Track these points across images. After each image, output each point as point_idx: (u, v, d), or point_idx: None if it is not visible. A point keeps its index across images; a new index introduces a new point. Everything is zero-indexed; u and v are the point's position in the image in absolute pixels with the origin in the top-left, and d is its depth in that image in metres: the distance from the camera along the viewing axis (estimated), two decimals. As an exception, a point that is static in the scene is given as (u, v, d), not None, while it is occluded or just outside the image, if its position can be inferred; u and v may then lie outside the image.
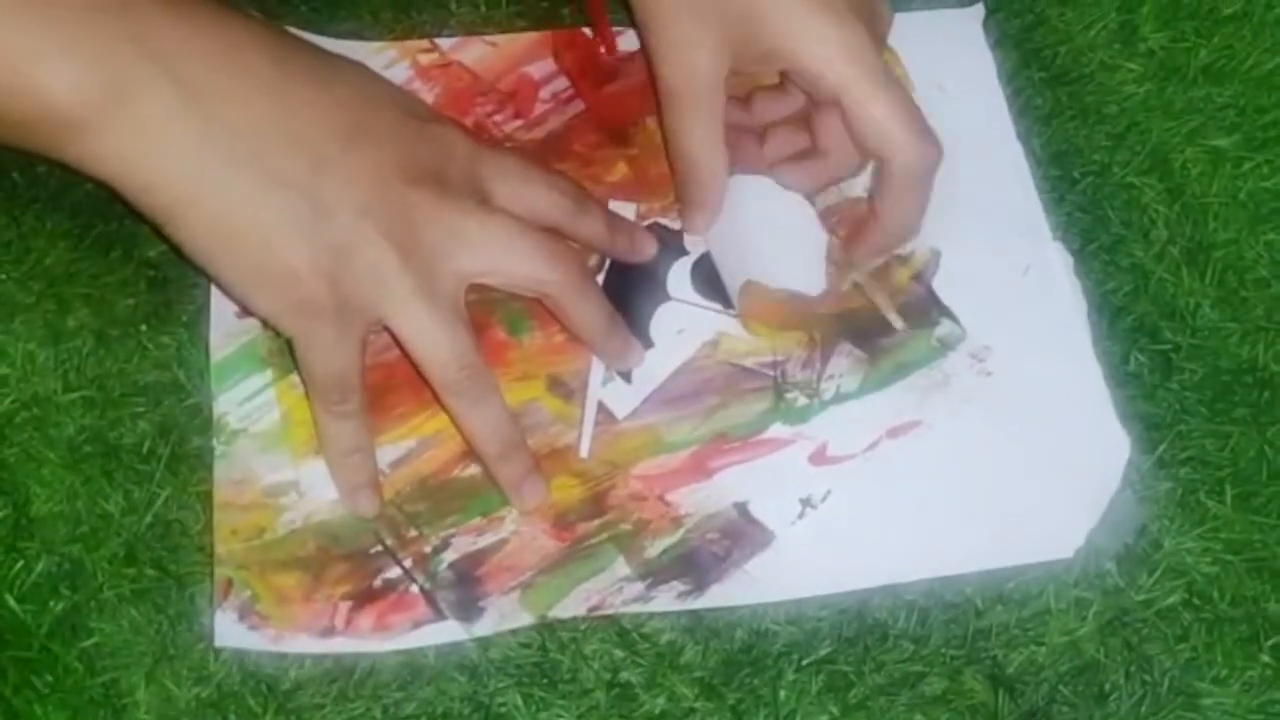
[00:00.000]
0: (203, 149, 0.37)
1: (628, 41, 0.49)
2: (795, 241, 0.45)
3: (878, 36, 0.42)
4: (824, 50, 0.41)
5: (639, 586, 0.41)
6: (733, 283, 0.45)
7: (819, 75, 0.41)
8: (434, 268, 0.39)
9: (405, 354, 0.40)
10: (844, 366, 0.44)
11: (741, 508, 0.42)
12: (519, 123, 0.48)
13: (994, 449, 0.43)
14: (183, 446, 0.42)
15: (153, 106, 0.36)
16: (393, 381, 0.43)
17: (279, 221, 0.37)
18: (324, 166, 0.38)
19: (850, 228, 0.46)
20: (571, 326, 0.42)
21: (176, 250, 0.39)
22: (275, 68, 0.38)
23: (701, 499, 0.42)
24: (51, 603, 0.39)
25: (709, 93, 0.42)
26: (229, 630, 0.39)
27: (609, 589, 0.41)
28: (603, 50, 0.48)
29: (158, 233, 0.39)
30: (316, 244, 0.38)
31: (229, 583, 0.40)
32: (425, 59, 0.48)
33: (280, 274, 0.38)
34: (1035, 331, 0.45)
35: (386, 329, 0.40)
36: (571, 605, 0.40)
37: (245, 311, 0.42)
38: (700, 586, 0.41)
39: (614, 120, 0.48)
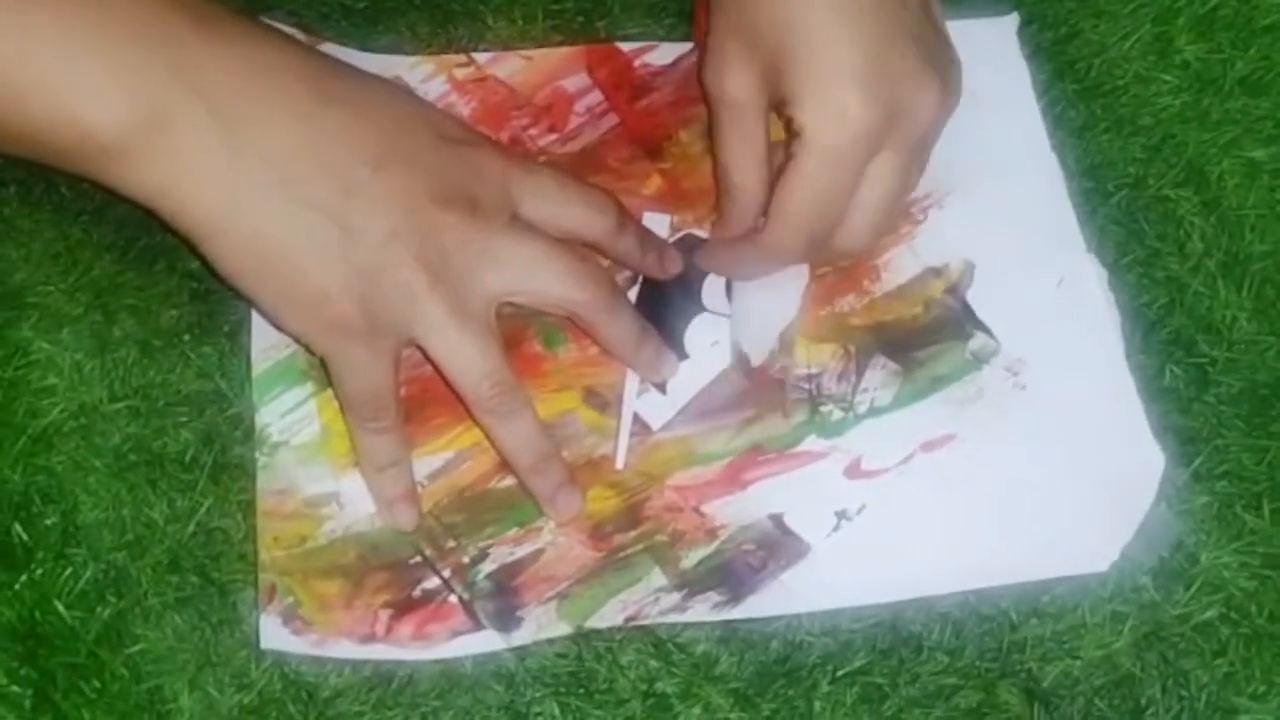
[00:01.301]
0: (235, 174, 0.37)
1: (659, 55, 0.50)
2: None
3: (901, 117, 0.40)
4: (812, 115, 0.40)
5: (675, 597, 0.41)
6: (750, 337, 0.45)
7: (801, 135, 0.40)
8: (465, 288, 0.40)
9: (437, 371, 0.41)
10: (878, 380, 0.44)
11: (777, 519, 0.42)
12: (554, 136, 0.48)
13: (1028, 462, 0.43)
14: (225, 455, 0.42)
15: (187, 134, 0.37)
16: (429, 395, 0.43)
17: (310, 244, 0.38)
18: (354, 190, 0.38)
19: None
20: (602, 342, 0.43)
21: (211, 270, 0.40)
22: (308, 92, 0.38)
23: (737, 510, 0.42)
24: (98, 609, 0.40)
25: (756, 117, 0.42)
26: (273, 633, 0.40)
27: (645, 599, 0.41)
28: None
29: (193, 250, 0.40)
30: (347, 266, 0.38)
31: (273, 588, 0.40)
32: (461, 73, 0.49)
33: (311, 295, 0.39)
34: (1069, 345, 0.45)
35: (418, 347, 0.41)
36: (608, 615, 0.41)
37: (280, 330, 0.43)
38: (736, 597, 0.41)
39: (648, 134, 0.48)
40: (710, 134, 0.44)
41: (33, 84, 0.36)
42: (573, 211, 0.42)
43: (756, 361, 0.44)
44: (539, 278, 0.41)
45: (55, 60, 0.36)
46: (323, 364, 0.41)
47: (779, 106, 0.41)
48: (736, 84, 0.42)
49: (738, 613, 0.41)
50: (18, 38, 0.36)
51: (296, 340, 0.41)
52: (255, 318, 0.44)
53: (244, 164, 0.37)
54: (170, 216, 0.38)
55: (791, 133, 0.41)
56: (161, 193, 0.38)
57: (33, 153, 0.39)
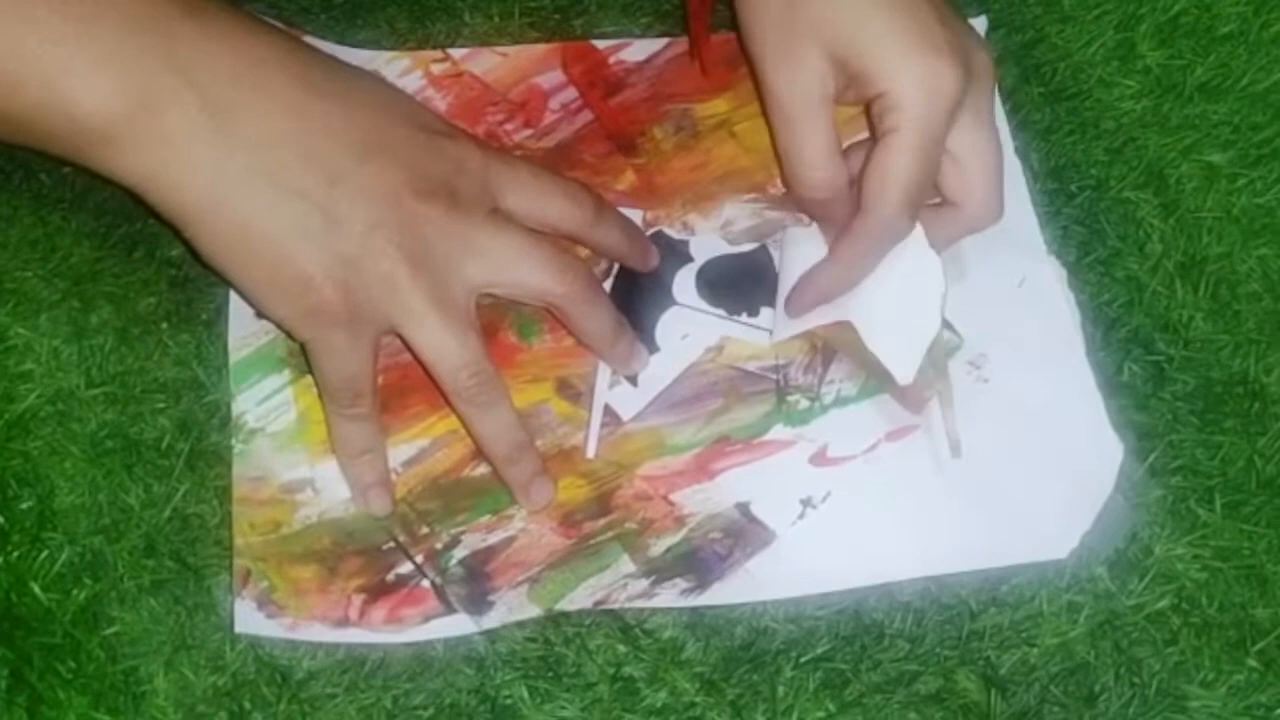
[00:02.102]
0: (223, 162, 0.38)
1: (633, 52, 0.50)
2: (907, 310, 0.44)
3: (975, 79, 0.42)
4: (910, 84, 0.41)
5: (643, 583, 0.42)
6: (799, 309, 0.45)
7: (899, 107, 0.41)
8: (445, 278, 0.40)
9: (417, 360, 0.42)
10: (844, 372, 0.45)
11: (744, 508, 0.43)
12: (529, 132, 0.49)
13: (991, 453, 0.44)
14: (201, 442, 0.43)
15: (177, 121, 0.37)
16: (406, 384, 0.44)
17: (294, 231, 0.39)
18: (338, 181, 0.39)
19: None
20: (578, 335, 0.44)
21: (195, 255, 0.41)
22: (296, 84, 0.39)
23: (704, 499, 0.43)
24: (74, 592, 0.40)
25: (821, 105, 0.43)
26: (248, 617, 0.40)
27: (614, 585, 0.42)
28: (698, 66, 0.48)
29: (178, 235, 0.40)
30: (329, 254, 0.39)
31: (247, 573, 0.41)
32: (438, 69, 0.50)
33: (294, 281, 0.39)
34: (1031, 341, 0.46)
35: (399, 336, 0.41)
36: (578, 599, 0.41)
37: (261, 315, 0.43)
38: (702, 584, 0.42)
39: (622, 130, 0.49)
40: (774, 139, 0.45)
41: (26, 69, 0.37)
42: (551, 203, 0.43)
43: (905, 381, 0.43)
44: (518, 269, 0.41)
45: (49, 46, 0.36)
46: (302, 350, 0.42)
47: (854, 92, 0.43)
48: (807, 80, 0.42)
49: (704, 599, 0.42)
50: (13, 24, 0.36)
51: (278, 326, 0.42)
52: (233, 306, 0.45)
53: (231, 152, 0.38)
54: (157, 202, 0.39)
55: (880, 110, 0.42)
56: (149, 178, 0.38)
57: (23, 137, 0.39)
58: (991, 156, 0.44)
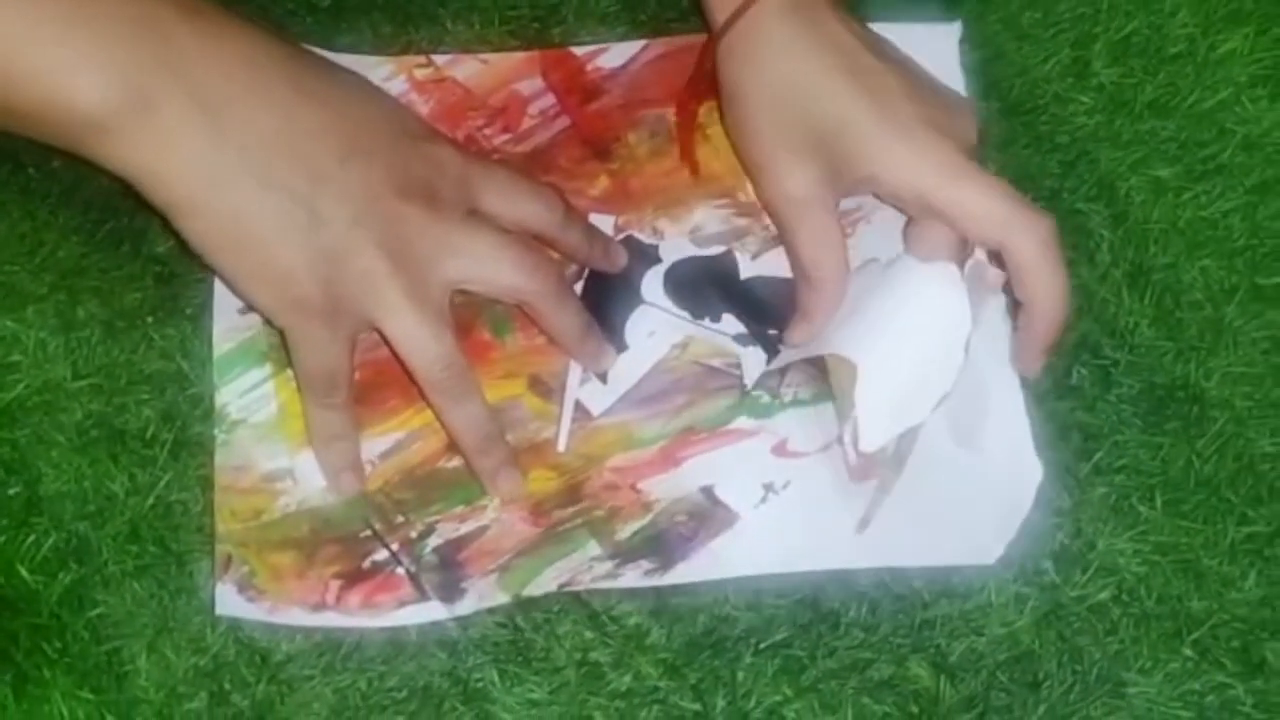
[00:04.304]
0: (215, 157, 0.40)
1: (610, 58, 0.52)
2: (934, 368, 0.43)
3: (962, 147, 0.44)
4: (903, 166, 0.43)
5: (608, 565, 0.43)
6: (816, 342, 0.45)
7: (906, 192, 0.43)
8: (422, 275, 0.42)
9: (393, 353, 0.43)
10: (800, 379, 0.47)
11: (708, 491, 0.45)
12: (507, 136, 0.50)
13: (929, 464, 0.46)
14: (185, 433, 0.44)
15: (172, 118, 0.39)
16: (383, 378, 0.46)
17: (279, 226, 0.40)
18: (322, 179, 0.41)
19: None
20: (549, 332, 0.45)
21: (184, 246, 0.42)
22: (287, 86, 0.41)
23: (670, 485, 0.45)
24: (60, 575, 0.42)
25: (817, 205, 0.45)
26: (229, 600, 0.42)
27: (580, 567, 0.43)
28: (688, 170, 0.50)
29: (167, 227, 0.42)
30: (313, 248, 0.41)
31: (229, 558, 0.42)
32: (420, 74, 0.51)
33: (278, 273, 0.41)
34: (971, 360, 0.45)
35: (376, 330, 0.43)
36: (544, 583, 0.43)
37: (247, 307, 0.45)
38: (666, 565, 0.44)
39: (597, 136, 0.51)
40: (782, 238, 0.46)
41: (25, 62, 0.38)
42: (524, 205, 0.45)
43: (866, 449, 0.43)
44: (492, 266, 0.43)
45: (48, 41, 0.38)
46: (282, 339, 0.43)
47: (859, 190, 0.45)
48: (800, 184, 0.44)
49: (668, 579, 0.43)
50: (14, 18, 0.38)
51: (261, 315, 0.43)
52: (217, 301, 0.46)
53: (222, 148, 0.39)
54: (149, 193, 0.40)
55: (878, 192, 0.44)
56: (143, 170, 0.40)
57: (22, 127, 0.40)
58: (999, 202, 0.43)
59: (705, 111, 0.51)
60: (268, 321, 0.44)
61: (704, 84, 0.49)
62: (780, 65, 0.45)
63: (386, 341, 0.43)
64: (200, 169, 0.40)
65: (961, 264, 0.45)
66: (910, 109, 0.44)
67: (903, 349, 0.43)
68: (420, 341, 0.42)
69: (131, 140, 0.39)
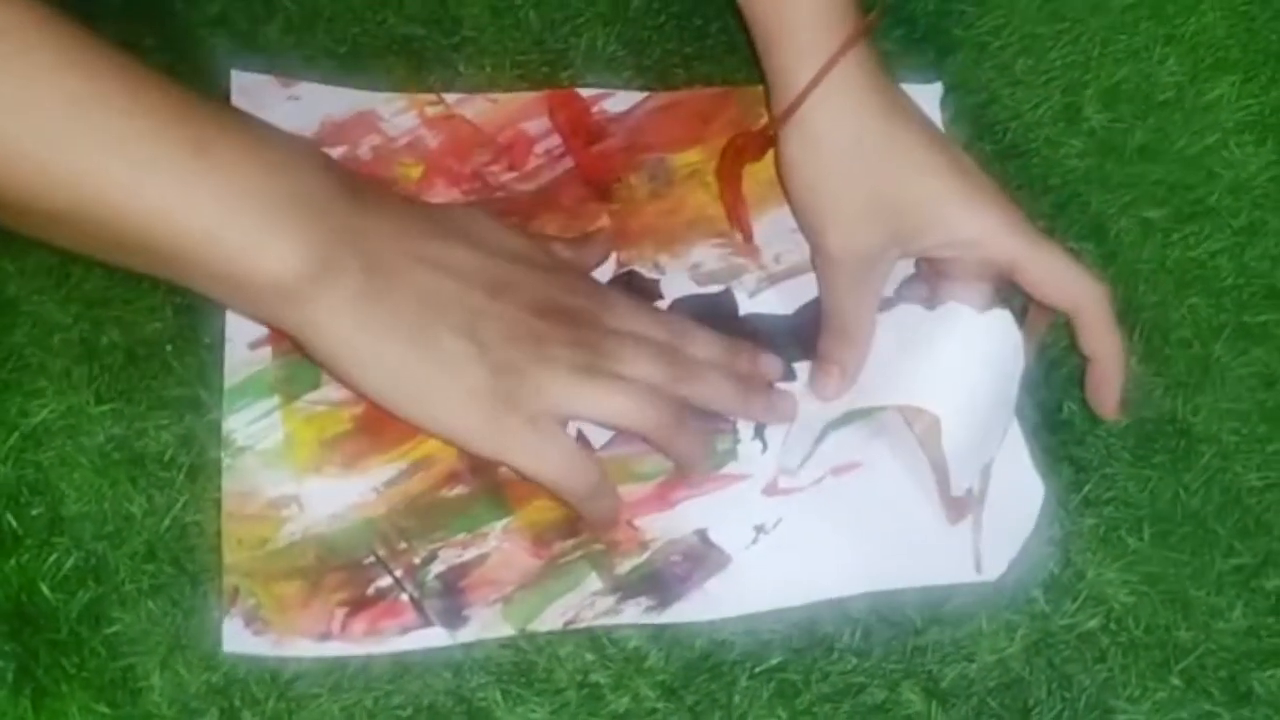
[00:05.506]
0: (378, 316, 0.42)
1: (615, 103, 0.54)
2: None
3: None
4: (1000, 233, 0.46)
5: (609, 600, 0.45)
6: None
7: (1000, 256, 0.46)
8: (540, 403, 0.43)
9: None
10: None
11: (701, 534, 0.46)
12: (513, 174, 0.52)
13: (926, 490, 0.47)
14: (201, 457, 0.46)
15: (346, 285, 0.42)
16: (385, 412, 0.46)
17: (450, 359, 0.43)
18: (478, 312, 0.43)
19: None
20: (670, 458, 0.47)
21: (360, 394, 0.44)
22: (436, 243, 0.44)
23: (665, 525, 0.46)
24: (79, 593, 0.43)
25: (879, 265, 0.47)
26: (236, 636, 0.42)
27: (582, 603, 0.44)
28: (739, 236, 0.52)
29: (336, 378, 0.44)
30: (484, 370, 0.43)
31: (236, 590, 0.43)
32: (431, 110, 0.53)
33: (462, 400, 0.43)
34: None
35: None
36: (549, 620, 0.44)
37: (258, 342, 0.47)
38: (664, 603, 0.45)
39: (599, 177, 0.52)
40: (823, 287, 0.48)
41: (203, 229, 0.40)
42: (648, 347, 0.46)
43: (956, 491, 0.46)
44: (614, 411, 0.44)
45: (239, 211, 0.41)
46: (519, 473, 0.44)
47: (923, 252, 0.48)
48: (866, 245, 0.47)
49: (665, 617, 0.44)
50: (200, 191, 0.40)
51: (466, 443, 0.44)
52: (230, 333, 0.47)
53: (389, 306, 0.42)
54: (313, 348, 0.43)
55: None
56: (319, 327, 0.42)
57: (184, 277, 0.42)
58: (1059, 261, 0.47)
59: (705, 160, 0.53)
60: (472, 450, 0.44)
61: (750, 149, 0.51)
62: (850, 132, 0.47)
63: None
64: (368, 332, 0.42)
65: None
66: (988, 179, 0.47)
67: (976, 394, 0.46)
68: (569, 473, 0.44)
69: (312, 303, 0.41)
